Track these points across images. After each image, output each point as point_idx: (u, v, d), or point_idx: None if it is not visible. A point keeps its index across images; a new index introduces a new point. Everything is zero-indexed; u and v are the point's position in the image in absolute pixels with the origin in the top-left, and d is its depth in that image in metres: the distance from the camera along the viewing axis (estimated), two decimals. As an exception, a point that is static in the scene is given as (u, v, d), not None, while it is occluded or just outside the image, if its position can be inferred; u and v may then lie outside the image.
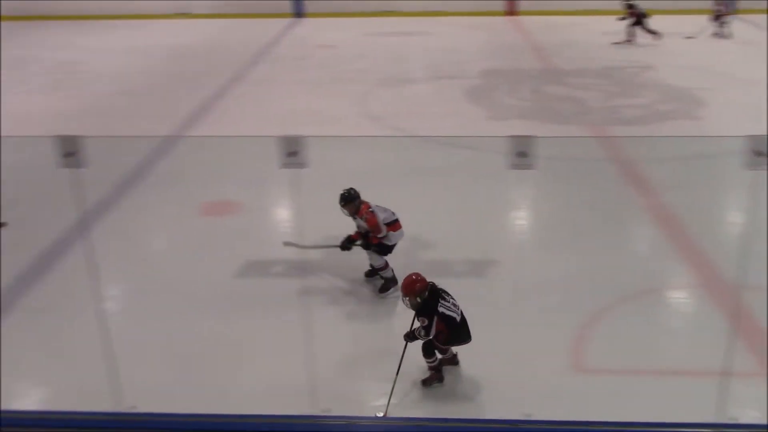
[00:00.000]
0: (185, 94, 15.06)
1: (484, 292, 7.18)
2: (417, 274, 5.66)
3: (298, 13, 24.83)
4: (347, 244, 7.21)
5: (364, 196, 7.10)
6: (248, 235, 8.69)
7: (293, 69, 17.37)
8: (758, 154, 4.22)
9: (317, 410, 5.23)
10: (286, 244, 7.62)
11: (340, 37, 21.22)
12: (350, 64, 17.72)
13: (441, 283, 5.68)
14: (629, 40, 18.65)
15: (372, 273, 7.35)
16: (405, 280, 5.63)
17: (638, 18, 18.58)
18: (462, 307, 5.63)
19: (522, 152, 4.39)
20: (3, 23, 22.93)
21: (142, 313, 7.01)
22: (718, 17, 19.51)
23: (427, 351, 5.68)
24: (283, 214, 9.55)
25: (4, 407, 5.36)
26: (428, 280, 5.63)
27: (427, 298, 5.51)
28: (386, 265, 7.13)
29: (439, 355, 5.75)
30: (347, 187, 7.10)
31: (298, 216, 8.47)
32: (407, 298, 5.55)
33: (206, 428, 4.65)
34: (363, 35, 21.42)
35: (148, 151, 11.22)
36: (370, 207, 6.97)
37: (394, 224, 7.04)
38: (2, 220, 8.65)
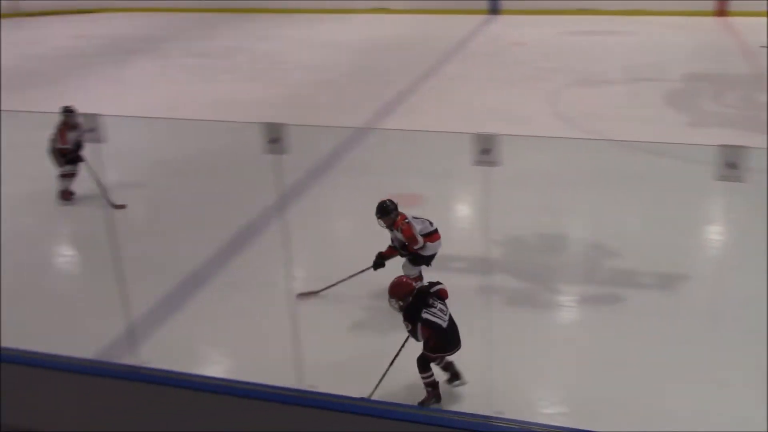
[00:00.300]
0: (378, 88, 15.45)
1: (672, 307, 6.79)
2: (404, 278, 5.66)
3: (494, 10, 24.71)
4: (379, 260, 6.97)
5: (553, 199, 6.94)
6: (431, 229, 8.76)
7: (485, 66, 17.32)
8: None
9: (491, 412, 5.18)
10: (300, 296, 7.06)
11: (535, 34, 20.87)
12: (543, 62, 17.39)
13: (622, 293, 5.43)
14: None
15: None
16: (391, 282, 5.55)
17: None
18: (644, 319, 5.36)
19: (732, 163, 4.08)
20: (214, 15, 24.60)
21: (329, 297, 7.26)
22: None
23: (421, 364, 5.49)
24: (467, 210, 9.56)
25: (201, 372, 5.75)
26: (442, 284, 5.62)
27: (412, 302, 5.42)
28: (420, 276, 6.89)
29: (435, 370, 5.52)
30: (542, 188, 6.94)
31: (483, 213, 8.43)
32: (392, 300, 5.48)
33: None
34: (559, 33, 20.93)
35: (342, 141, 11.63)
36: (406, 218, 6.81)
37: (432, 235, 6.86)
38: (123, 204, 9.24)
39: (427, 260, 6.98)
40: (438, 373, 5.59)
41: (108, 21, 25.78)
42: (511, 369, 5.83)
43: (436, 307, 5.46)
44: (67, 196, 9.70)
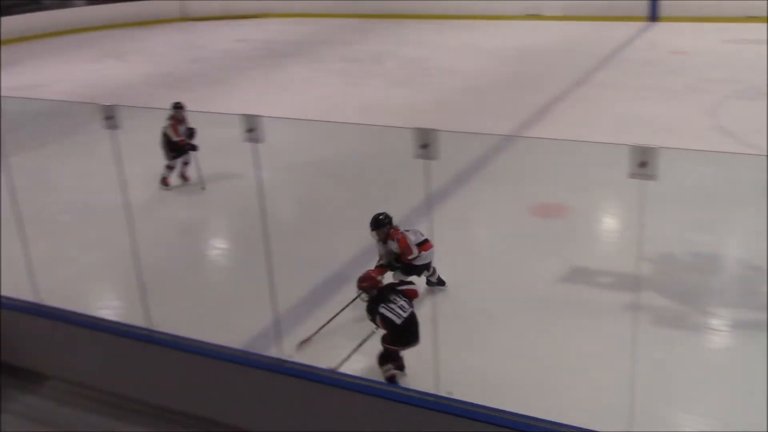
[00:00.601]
0: (527, 95, 15.24)
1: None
2: (371, 272, 6.23)
3: (653, 17, 23.74)
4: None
5: (710, 216, 6.60)
6: (576, 241, 8.57)
7: (641, 74, 16.67)
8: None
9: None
10: (300, 345, 6.61)
11: (696, 43, 19.88)
12: (704, 72, 16.53)
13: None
14: None
15: None
16: (360, 275, 6.09)
17: None
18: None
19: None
20: (366, 20, 25.08)
21: (465, 300, 7.25)
22: None
23: (380, 357, 5.93)
24: (616, 224, 9.25)
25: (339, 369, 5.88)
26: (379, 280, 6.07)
27: (375, 295, 5.90)
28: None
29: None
30: (699, 204, 6.60)
31: (634, 228, 8.13)
32: (360, 291, 6.03)
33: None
34: (721, 42, 19.83)
35: (488, 148, 11.56)
36: (399, 230, 7.04)
37: (424, 244, 7.06)
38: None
39: (419, 270, 7.14)
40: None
41: (268, 26, 26.93)
42: (654, 390, 5.59)
43: (396, 304, 5.87)
44: (166, 182, 10.64)
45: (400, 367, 6.02)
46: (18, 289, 6.48)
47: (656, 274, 7.45)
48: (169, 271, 8.10)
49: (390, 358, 5.95)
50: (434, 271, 7.31)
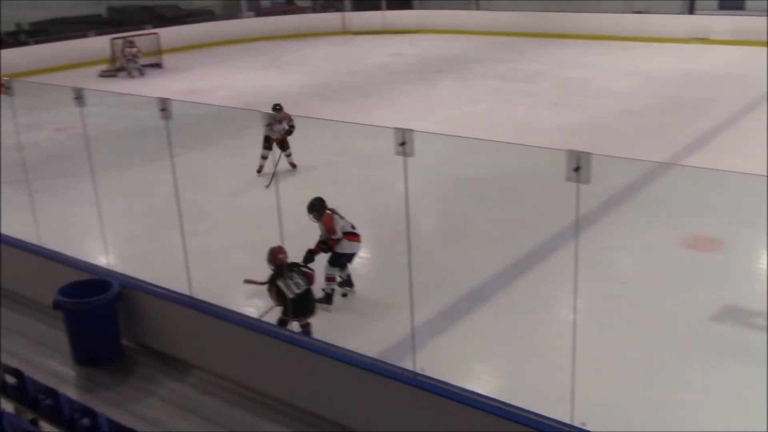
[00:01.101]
0: (689, 121, 14.58)
1: None
2: (278, 249, 6.79)
3: (834, 45, 22.06)
4: (309, 256, 7.37)
5: None
6: (730, 278, 8.10)
7: (817, 106, 15.52)
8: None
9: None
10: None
11: None
12: None
13: None
14: None
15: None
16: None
17: None
18: None
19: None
20: (522, 39, 24.81)
21: (608, 331, 7.01)
22: None
23: (278, 323, 6.74)
24: (773, 262, 8.67)
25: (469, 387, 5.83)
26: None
27: (276, 270, 6.70)
28: (334, 278, 7.65)
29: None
30: None
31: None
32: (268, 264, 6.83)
33: None
34: None
35: (642, 174, 11.14)
36: (330, 213, 7.62)
37: (350, 235, 7.66)
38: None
39: (345, 260, 7.72)
40: None
41: (423, 41, 27.29)
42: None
43: (293, 280, 6.66)
44: (260, 170, 11.83)
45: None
46: (175, 281, 6.89)
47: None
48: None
49: (283, 324, 6.75)
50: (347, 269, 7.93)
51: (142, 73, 22.03)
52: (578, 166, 4.53)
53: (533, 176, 11.13)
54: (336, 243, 7.64)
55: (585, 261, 7.44)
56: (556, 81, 19.22)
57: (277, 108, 11.86)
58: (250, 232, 9.60)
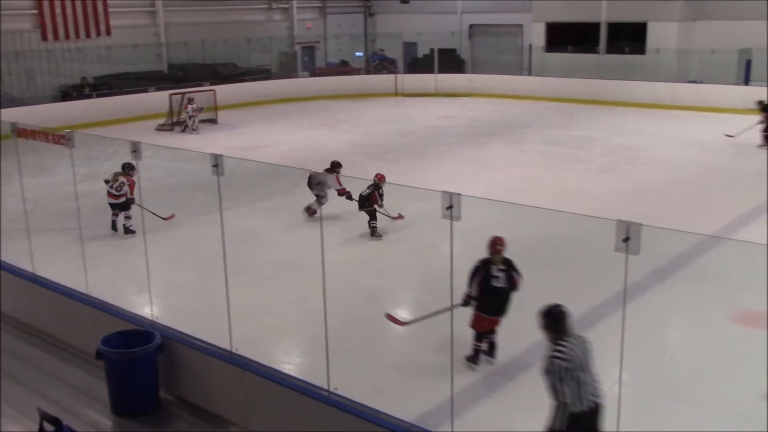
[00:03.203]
0: (741, 192, 14.30)
1: None
2: (499, 240, 7.55)
3: None
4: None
5: None
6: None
7: None
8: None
9: None
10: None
11: None
12: None
13: None
14: None
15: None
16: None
17: None
18: None
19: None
20: (574, 105, 24.76)
21: (653, 407, 6.78)
22: None
23: None
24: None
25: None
26: None
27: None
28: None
29: None
30: None
31: None
32: None
33: None
34: None
35: (692, 245, 10.92)
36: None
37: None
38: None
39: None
40: None
41: (474, 105, 27.50)
42: None
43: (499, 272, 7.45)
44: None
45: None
46: (217, 335, 6.92)
47: None
48: (355, 334, 8.30)
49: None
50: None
51: (194, 129, 22.57)
52: (627, 236, 4.47)
53: (581, 243, 10.99)
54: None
55: (632, 333, 7.29)
56: (606, 148, 19.11)
57: (337, 164, 12.74)
58: (294, 288, 9.64)
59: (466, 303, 7.41)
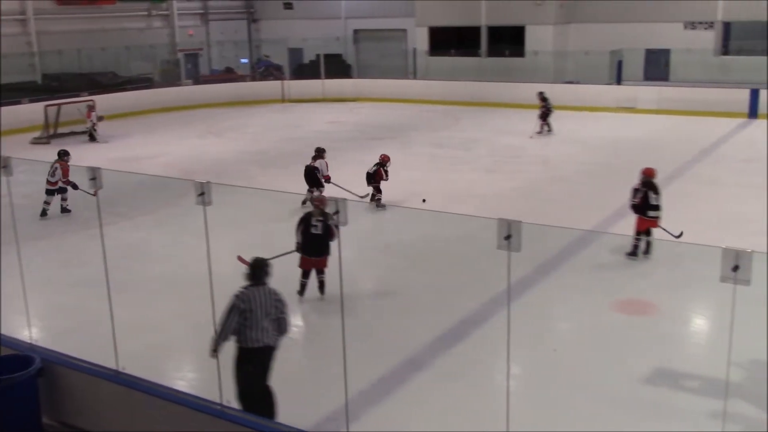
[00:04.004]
0: (618, 187, 14.97)
1: None
2: (323, 198, 9.78)
3: (752, 114, 23.21)
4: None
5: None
6: (662, 341, 8.23)
7: (738, 172, 16.20)
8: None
9: None
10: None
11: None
12: (808, 171, 15.91)
13: None
14: None
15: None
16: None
17: None
18: None
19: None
20: (459, 107, 25.35)
21: (543, 396, 7.01)
22: None
23: None
24: (706, 326, 8.85)
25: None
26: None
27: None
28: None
29: None
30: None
31: (725, 332, 7.75)
32: None
33: None
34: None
35: (573, 240, 11.36)
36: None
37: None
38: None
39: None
40: None
41: (361, 109, 27.67)
42: None
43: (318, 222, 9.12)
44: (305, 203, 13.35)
45: None
46: (102, 354, 6.65)
47: (747, 381, 7.03)
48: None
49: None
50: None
51: (98, 137, 21.93)
52: (509, 234, 4.58)
53: (469, 243, 11.23)
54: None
55: (519, 327, 7.50)
56: (491, 148, 19.63)
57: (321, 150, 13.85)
58: (183, 302, 9.40)
59: (298, 249, 9.27)
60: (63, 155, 13.60)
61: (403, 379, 7.48)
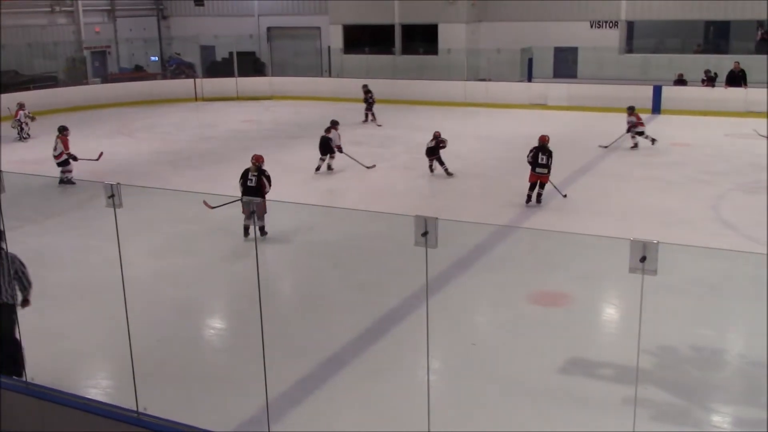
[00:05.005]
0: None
1: None
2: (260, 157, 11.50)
3: (656, 110, 24.14)
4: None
5: (712, 311, 6.53)
6: (576, 331, 8.47)
7: (644, 165, 16.83)
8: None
9: None
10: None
11: (698, 136, 20.17)
12: (706, 165, 16.68)
13: None
14: None
15: None
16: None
17: None
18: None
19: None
20: (376, 105, 25.49)
21: (461, 391, 7.11)
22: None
23: None
24: (617, 315, 9.15)
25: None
26: None
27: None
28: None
29: None
30: (701, 299, 6.58)
31: (634, 320, 8.04)
32: None
33: None
34: (723, 136, 20.10)
35: (489, 235, 11.57)
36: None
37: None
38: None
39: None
40: None
41: (276, 108, 27.40)
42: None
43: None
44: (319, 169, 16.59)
45: None
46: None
47: (657, 367, 7.32)
48: (163, 350, 7.99)
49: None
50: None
51: (27, 135, 21.54)
52: (426, 231, 4.62)
53: (387, 241, 11.28)
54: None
55: (438, 323, 7.60)
56: (407, 145, 19.76)
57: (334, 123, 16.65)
58: (95, 307, 9.11)
59: (240, 200, 10.09)
60: (62, 130, 15.34)
61: (324, 378, 7.46)
